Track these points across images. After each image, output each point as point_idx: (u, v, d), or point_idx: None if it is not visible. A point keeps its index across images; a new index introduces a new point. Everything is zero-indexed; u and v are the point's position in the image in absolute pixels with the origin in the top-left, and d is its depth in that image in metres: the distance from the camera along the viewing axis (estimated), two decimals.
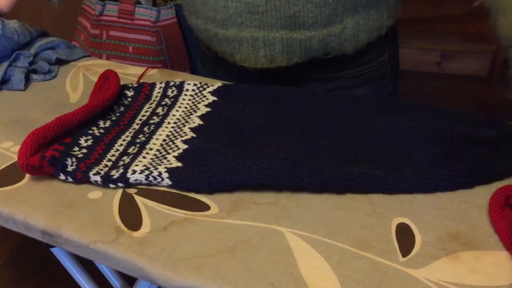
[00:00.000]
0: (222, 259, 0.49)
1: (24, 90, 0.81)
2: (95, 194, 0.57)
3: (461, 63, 2.36)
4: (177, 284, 0.47)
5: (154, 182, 0.58)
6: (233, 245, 0.50)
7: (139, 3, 1.57)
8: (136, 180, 0.58)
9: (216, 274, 0.47)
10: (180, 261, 0.49)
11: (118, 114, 0.71)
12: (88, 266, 0.85)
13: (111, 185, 0.58)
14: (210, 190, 0.56)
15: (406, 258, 0.49)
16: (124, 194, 0.57)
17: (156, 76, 0.82)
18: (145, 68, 0.83)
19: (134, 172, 0.58)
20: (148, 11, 1.61)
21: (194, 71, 1.71)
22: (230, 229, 0.52)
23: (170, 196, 0.57)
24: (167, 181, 0.57)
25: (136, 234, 0.52)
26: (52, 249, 0.80)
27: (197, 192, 0.57)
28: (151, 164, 0.59)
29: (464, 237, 0.51)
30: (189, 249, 0.50)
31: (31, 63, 0.84)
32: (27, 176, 0.60)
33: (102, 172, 0.58)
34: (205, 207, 0.55)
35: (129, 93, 0.75)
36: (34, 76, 0.84)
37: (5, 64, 0.81)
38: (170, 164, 0.59)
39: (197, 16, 0.81)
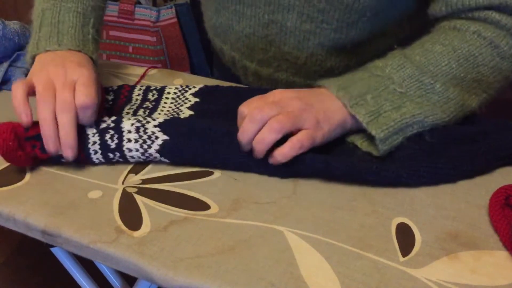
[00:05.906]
0: (222, 258, 0.49)
1: None
2: (95, 193, 0.57)
3: None
4: (177, 283, 0.47)
5: (148, 151, 0.60)
6: (233, 245, 0.50)
7: (139, 3, 1.57)
8: (130, 150, 0.60)
9: (216, 274, 0.47)
10: (180, 261, 0.49)
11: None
12: (88, 266, 0.85)
13: (110, 155, 0.60)
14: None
15: (406, 258, 0.49)
16: (124, 194, 0.57)
17: (156, 76, 0.82)
18: (145, 68, 0.83)
19: (129, 140, 0.60)
20: (148, 11, 1.60)
21: (194, 71, 1.70)
22: (230, 229, 0.52)
23: (170, 195, 0.57)
24: (158, 144, 0.60)
25: (136, 233, 0.52)
26: (52, 249, 0.80)
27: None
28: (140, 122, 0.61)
29: (464, 237, 0.51)
30: (189, 248, 0.50)
31: None
32: (28, 176, 0.60)
33: (98, 147, 0.60)
34: (205, 207, 0.55)
35: (110, 97, 0.73)
36: None
37: (6, 65, 0.81)
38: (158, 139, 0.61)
39: (224, 42, 0.80)
